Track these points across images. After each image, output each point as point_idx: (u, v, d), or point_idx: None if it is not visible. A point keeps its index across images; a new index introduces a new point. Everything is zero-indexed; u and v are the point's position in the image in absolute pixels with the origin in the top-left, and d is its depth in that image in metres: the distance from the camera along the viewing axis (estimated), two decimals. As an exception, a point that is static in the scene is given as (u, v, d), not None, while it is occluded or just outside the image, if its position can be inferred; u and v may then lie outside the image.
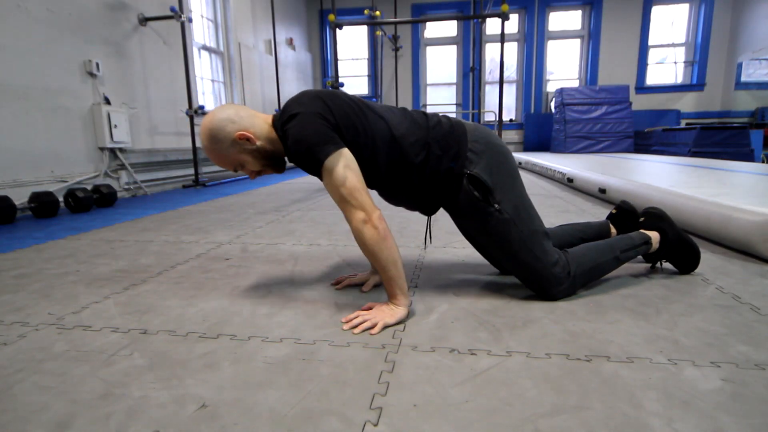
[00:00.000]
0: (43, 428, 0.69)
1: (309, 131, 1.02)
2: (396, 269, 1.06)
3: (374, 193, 2.63)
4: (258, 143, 1.11)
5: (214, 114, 1.09)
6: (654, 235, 1.37)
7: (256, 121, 1.12)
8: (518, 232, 1.14)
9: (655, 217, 1.40)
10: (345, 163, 1.02)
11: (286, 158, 1.18)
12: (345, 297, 1.25)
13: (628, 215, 1.53)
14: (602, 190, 2.89)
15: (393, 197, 1.25)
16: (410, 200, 1.24)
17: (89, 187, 3.06)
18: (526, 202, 1.19)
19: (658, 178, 2.66)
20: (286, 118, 1.06)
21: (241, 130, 1.08)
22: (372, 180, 1.17)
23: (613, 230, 1.54)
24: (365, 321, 1.03)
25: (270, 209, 2.83)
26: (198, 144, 4.40)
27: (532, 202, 1.21)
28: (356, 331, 1.01)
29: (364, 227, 1.02)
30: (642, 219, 1.43)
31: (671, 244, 1.37)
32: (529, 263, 1.16)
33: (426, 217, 2.38)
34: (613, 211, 1.57)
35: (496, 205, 1.13)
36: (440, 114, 1.23)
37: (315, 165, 1.03)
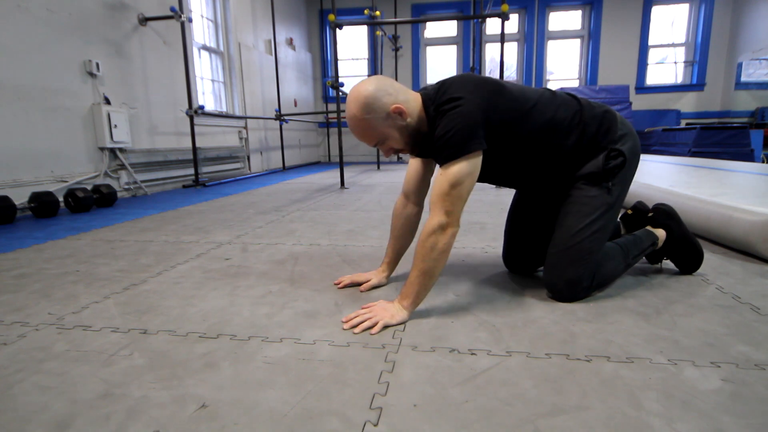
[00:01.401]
0: (43, 428, 0.69)
1: (464, 122, 1.02)
2: (426, 279, 1.06)
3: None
4: (408, 119, 1.09)
5: (368, 83, 1.06)
6: (660, 234, 1.37)
7: (409, 97, 1.10)
8: (603, 219, 1.16)
9: (664, 215, 1.40)
10: (471, 169, 1.03)
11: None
12: (345, 297, 1.25)
13: (642, 216, 1.49)
14: (602, 190, 2.89)
15: (514, 180, 1.27)
16: (532, 179, 1.25)
17: (89, 187, 3.06)
18: (623, 201, 1.22)
19: (658, 178, 2.66)
20: (445, 99, 1.05)
21: (397, 104, 1.06)
22: (503, 168, 1.20)
23: (623, 231, 1.52)
24: (365, 320, 1.04)
25: (270, 209, 2.83)
26: (198, 144, 4.40)
27: None
28: (356, 330, 1.01)
29: (437, 230, 1.03)
30: (651, 214, 1.43)
31: (675, 241, 1.37)
32: (581, 250, 1.14)
33: None
34: (629, 212, 1.53)
35: (611, 184, 1.16)
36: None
37: (450, 154, 1.02)
